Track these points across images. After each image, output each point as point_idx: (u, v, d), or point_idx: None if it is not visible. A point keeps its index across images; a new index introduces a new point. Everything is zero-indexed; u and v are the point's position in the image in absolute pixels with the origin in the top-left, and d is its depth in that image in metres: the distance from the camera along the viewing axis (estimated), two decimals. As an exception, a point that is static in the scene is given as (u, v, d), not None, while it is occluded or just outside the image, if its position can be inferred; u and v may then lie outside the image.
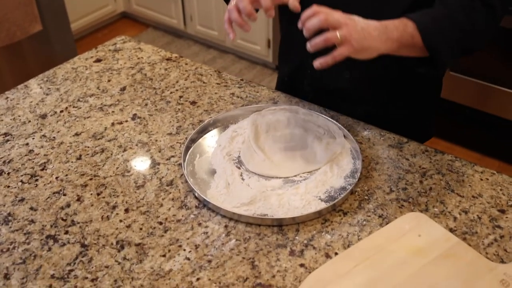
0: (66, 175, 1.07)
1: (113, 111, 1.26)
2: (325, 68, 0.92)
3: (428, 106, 1.33)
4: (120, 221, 0.96)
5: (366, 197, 1.01)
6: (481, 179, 1.06)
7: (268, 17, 0.99)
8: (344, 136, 1.14)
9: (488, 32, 1.04)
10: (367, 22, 0.93)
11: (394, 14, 1.02)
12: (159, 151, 1.13)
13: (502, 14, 1.03)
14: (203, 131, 1.17)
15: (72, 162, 1.11)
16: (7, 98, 1.32)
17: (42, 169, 1.09)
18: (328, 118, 1.18)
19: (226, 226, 0.95)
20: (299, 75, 1.30)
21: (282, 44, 1.36)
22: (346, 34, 0.89)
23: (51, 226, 0.96)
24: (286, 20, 1.29)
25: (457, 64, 2.43)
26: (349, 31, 0.89)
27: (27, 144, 1.16)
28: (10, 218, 0.98)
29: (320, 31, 0.90)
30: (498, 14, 1.02)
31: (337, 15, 0.90)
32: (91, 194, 1.02)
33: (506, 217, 0.97)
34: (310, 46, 0.91)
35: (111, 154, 1.13)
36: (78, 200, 1.01)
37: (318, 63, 0.91)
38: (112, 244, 0.92)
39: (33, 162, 1.11)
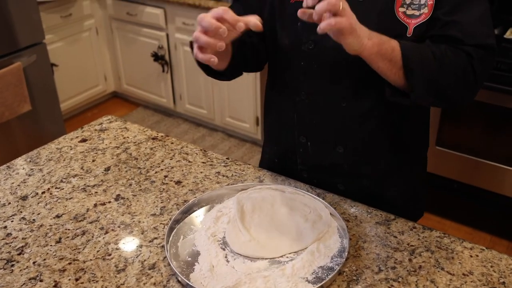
0: (44, 259, 1.03)
1: (96, 192, 1.24)
2: (322, 34, 0.93)
3: (418, 184, 1.33)
4: (99, 308, 0.92)
5: (354, 278, 0.98)
6: (471, 256, 1.03)
7: (237, 29, 0.98)
8: (331, 214, 1.12)
9: (463, 78, 1.05)
10: None
11: None
12: (142, 233, 1.10)
13: (482, 70, 1.05)
14: (188, 211, 1.15)
15: (51, 245, 1.07)
16: (-11, 180, 1.30)
17: (19, 254, 1.05)
18: (314, 196, 1.16)
19: (209, 312, 0.91)
20: (291, 155, 1.29)
21: (270, 126, 1.36)
22: (346, 8, 0.92)
23: (25, 315, 0.91)
24: (274, 104, 1.30)
25: (443, 138, 2.46)
26: (348, 9, 0.93)
27: (5, 227, 1.13)
28: (-18, 307, 0.93)
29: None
30: (476, 66, 1.04)
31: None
32: (69, 279, 0.98)
33: (500, 296, 0.94)
34: (317, 8, 0.91)
35: (92, 237, 1.10)
36: (55, 286, 0.97)
37: (319, 28, 0.92)
38: (88, 333, 0.87)
39: (10, 246, 1.07)
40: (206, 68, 1.17)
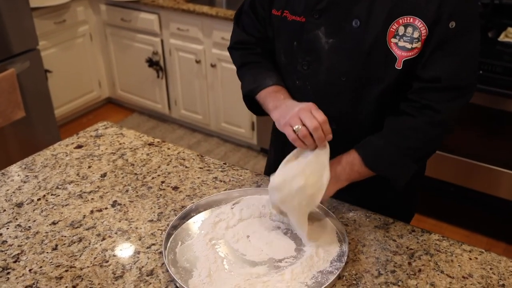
0: (40, 267, 1.02)
1: (92, 198, 1.23)
2: None
3: (411, 192, 1.32)
4: (96, 315, 0.91)
5: (354, 282, 0.97)
6: (470, 259, 1.03)
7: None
8: (330, 218, 1.12)
9: (435, 141, 1.10)
10: None
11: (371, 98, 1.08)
12: (139, 239, 1.09)
13: (453, 116, 1.08)
14: (185, 217, 1.14)
15: (47, 252, 1.06)
16: (-17, 187, 1.28)
17: (15, 261, 1.04)
18: (312, 200, 1.16)
19: (208, 318, 0.90)
20: None
21: (273, 134, 1.36)
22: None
23: (22, 323, 0.90)
24: None
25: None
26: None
27: (0, 234, 1.11)
28: (-22, 316, 0.92)
29: None
30: (446, 121, 1.06)
31: None
32: (66, 287, 0.97)
33: (500, 299, 0.94)
34: None
35: (89, 244, 1.08)
36: (52, 294, 0.96)
37: None
38: None
39: (5, 253, 1.06)
40: (255, 109, 1.24)
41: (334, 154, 1.15)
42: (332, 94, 1.12)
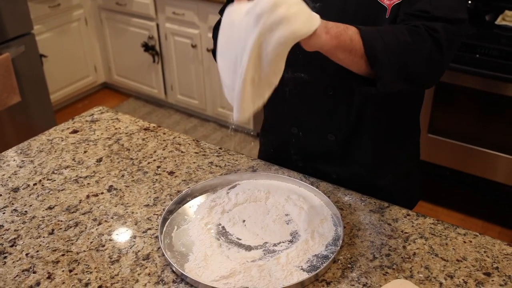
0: (37, 251, 1.03)
1: (88, 183, 1.23)
2: None
3: (411, 171, 1.33)
4: (93, 299, 0.92)
5: (349, 265, 0.98)
6: (465, 242, 1.04)
7: None
8: (325, 202, 1.12)
9: (431, 58, 1.01)
10: None
11: None
12: (136, 224, 1.10)
13: (449, 45, 1.02)
14: (181, 201, 1.15)
15: (44, 237, 1.06)
16: (-21, 172, 1.28)
17: (12, 246, 1.04)
18: (308, 184, 1.16)
19: (204, 301, 0.91)
20: (285, 145, 1.29)
21: (265, 118, 1.36)
22: None
23: (19, 307, 0.90)
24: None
25: (435, 125, 2.46)
26: None
27: (-3, 220, 1.12)
28: (-25, 300, 0.92)
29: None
30: (442, 42, 1.01)
31: None
32: (63, 271, 0.98)
33: (492, 280, 0.94)
34: None
35: (85, 228, 1.09)
36: (48, 277, 0.96)
37: None
38: (83, 325, 0.87)
39: (2, 238, 1.06)
40: None
41: (334, 120, 1.15)
42: (325, 58, 1.10)
